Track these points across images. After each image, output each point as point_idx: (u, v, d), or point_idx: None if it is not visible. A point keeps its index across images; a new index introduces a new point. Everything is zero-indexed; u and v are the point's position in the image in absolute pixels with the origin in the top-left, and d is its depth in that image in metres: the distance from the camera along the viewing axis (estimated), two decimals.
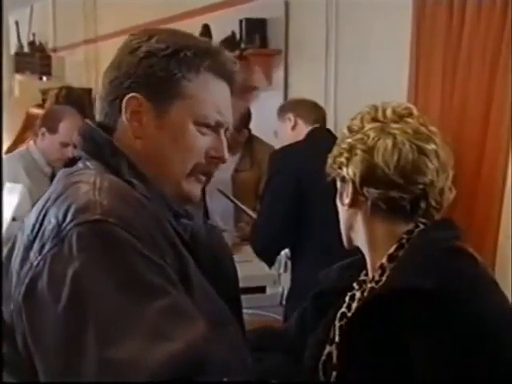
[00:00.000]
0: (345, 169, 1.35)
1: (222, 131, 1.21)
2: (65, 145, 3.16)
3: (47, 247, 0.99)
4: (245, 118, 3.32)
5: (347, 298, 1.43)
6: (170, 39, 1.16)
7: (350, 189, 1.35)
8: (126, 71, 1.16)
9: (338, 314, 1.42)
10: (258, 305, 2.80)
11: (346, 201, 1.36)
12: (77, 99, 3.81)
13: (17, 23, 6.86)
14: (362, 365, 1.25)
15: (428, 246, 1.30)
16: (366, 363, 1.24)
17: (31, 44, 7.27)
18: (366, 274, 1.43)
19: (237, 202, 3.02)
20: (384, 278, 1.32)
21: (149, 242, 1.01)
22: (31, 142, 3.33)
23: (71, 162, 1.19)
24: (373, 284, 1.35)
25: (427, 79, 3.22)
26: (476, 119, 2.98)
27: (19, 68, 6.57)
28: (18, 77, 6.45)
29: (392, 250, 1.34)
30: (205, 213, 1.27)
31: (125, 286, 0.96)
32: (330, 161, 1.40)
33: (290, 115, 3.01)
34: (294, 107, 3.05)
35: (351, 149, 1.34)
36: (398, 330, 1.20)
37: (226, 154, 1.22)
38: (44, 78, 6.76)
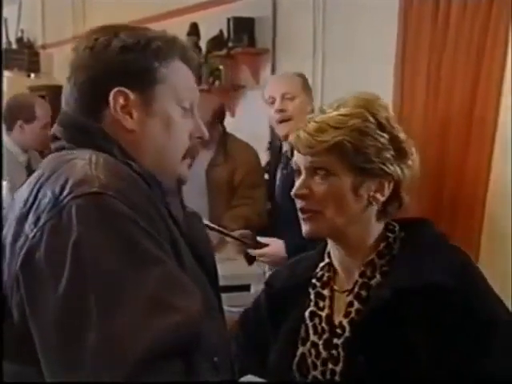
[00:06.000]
0: (391, 167, 1.33)
1: (195, 111, 1.25)
2: (44, 127, 3.15)
3: (43, 219, 1.00)
4: (218, 114, 3.35)
5: (313, 297, 1.44)
6: (135, 33, 1.20)
7: (391, 186, 1.34)
8: (102, 69, 1.17)
9: (307, 313, 1.43)
10: (242, 303, 2.77)
11: (378, 196, 1.34)
12: None
13: (5, 20, 6.82)
14: (371, 356, 1.28)
15: (431, 244, 1.34)
16: (376, 354, 1.28)
17: (19, 41, 7.22)
18: (329, 271, 1.44)
19: (219, 228, 2.92)
20: (378, 275, 1.34)
21: (145, 217, 1.02)
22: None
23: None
24: (364, 279, 1.36)
25: (413, 78, 3.25)
26: (461, 117, 3.01)
27: (7, 65, 6.54)
28: (5, 73, 6.42)
29: (381, 247, 1.36)
30: (181, 201, 1.27)
31: (125, 255, 0.97)
32: (363, 142, 1.32)
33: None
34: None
35: (402, 150, 1.34)
36: (412, 321, 1.25)
37: (206, 131, 1.27)
38: (32, 75, 6.74)
